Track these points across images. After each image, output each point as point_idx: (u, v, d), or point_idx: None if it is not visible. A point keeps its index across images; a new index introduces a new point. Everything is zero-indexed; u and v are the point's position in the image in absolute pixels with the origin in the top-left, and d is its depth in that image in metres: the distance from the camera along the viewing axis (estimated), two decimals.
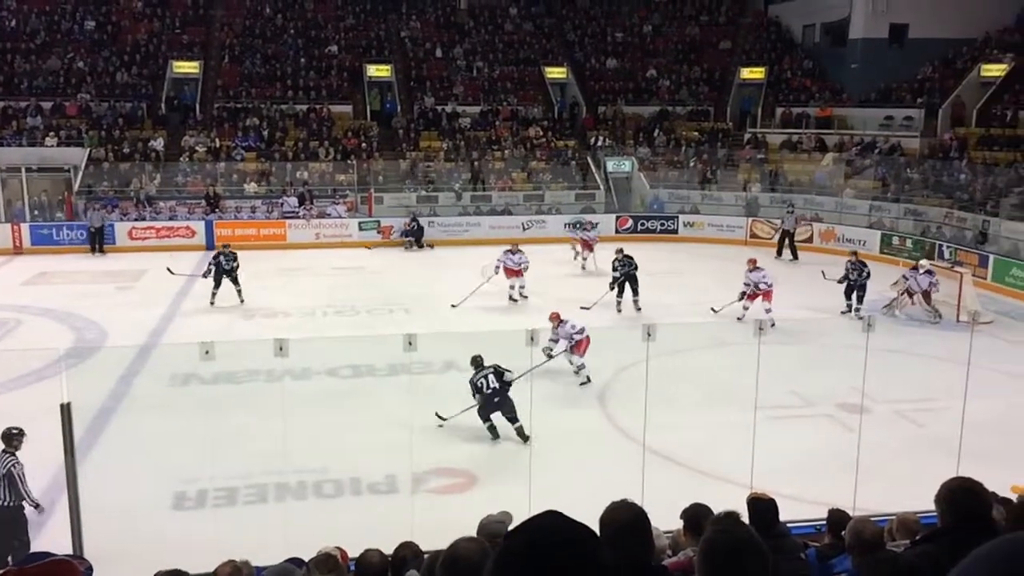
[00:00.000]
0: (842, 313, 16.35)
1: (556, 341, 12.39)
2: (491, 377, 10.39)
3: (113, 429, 10.73)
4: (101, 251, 22.77)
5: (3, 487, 7.34)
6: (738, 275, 16.42)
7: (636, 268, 16.68)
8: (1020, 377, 12.89)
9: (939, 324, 15.93)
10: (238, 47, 30.83)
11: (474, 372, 10.50)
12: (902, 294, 16.63)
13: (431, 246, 24.30)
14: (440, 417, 10.63)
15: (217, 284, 16.84)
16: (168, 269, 17.72)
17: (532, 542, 1.42)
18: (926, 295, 16.37)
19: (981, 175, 24.05)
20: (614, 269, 16.77)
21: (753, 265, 16.08)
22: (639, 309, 16.43)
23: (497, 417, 10.44)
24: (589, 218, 24.37)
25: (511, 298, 17.22)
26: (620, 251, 17.01)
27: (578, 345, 12.32)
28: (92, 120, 27.00)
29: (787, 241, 22.91)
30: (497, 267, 17.14)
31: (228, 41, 30.99)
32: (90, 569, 4.57)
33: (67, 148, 25.67)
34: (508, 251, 17.32)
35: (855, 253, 17.37)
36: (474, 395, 10.48)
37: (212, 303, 16.78)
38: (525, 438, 10.12)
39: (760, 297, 15.69)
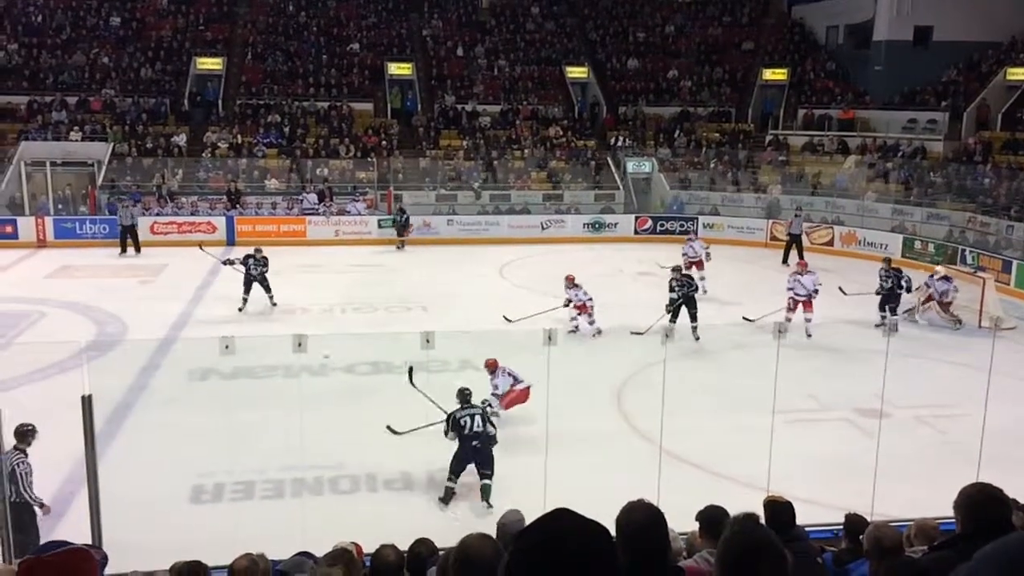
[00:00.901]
0: (876, 326, 15.21)
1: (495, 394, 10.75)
2: (477, 419, 8.98)
3: (133, 422, 10.83)
4: (136, 250, 22.02)
5: (10, 484, 7.24)
6: (758, 277, 16.30)
7: (696, 289, 15.30)
8: None
9: (961, 330, 15.75)
10: (261, 44, 31.04)
11: (459, 406, 9.17)
12: (925, 301, 16.44)
13: (402, 244, 23.64)
14: (392, 431, 9.56)
15: (247, 290, 16.43)
16: (200, 246, 17.74)
17: (544, 540, 1.41)
18: (943, 304, 16.13)
19: (1005, 179, 23.79)
20: (671, 289, 15.11)
21: (805, 268, 15.76)
22: (697, 338, 14.57)
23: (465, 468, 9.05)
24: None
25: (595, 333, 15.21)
26: (678, 269, 15.60)
27: (512, 398, 10.71)
28: (116, 115, 27.28)
29: (795, 245, 22.11)
30: (568, 302, 15.45)
31: (251, 38, 31.23)
32: (105, 558, 4.62)
33: (91, 143, 25.95)
34: (568, 286, 15.47)
35: (888, 260, 16.61)
36: (447, 432, 9.09)
37: (241, 309, 16.29)
38: (488, 504, 8.81)
39: (801, 306, 15.22)
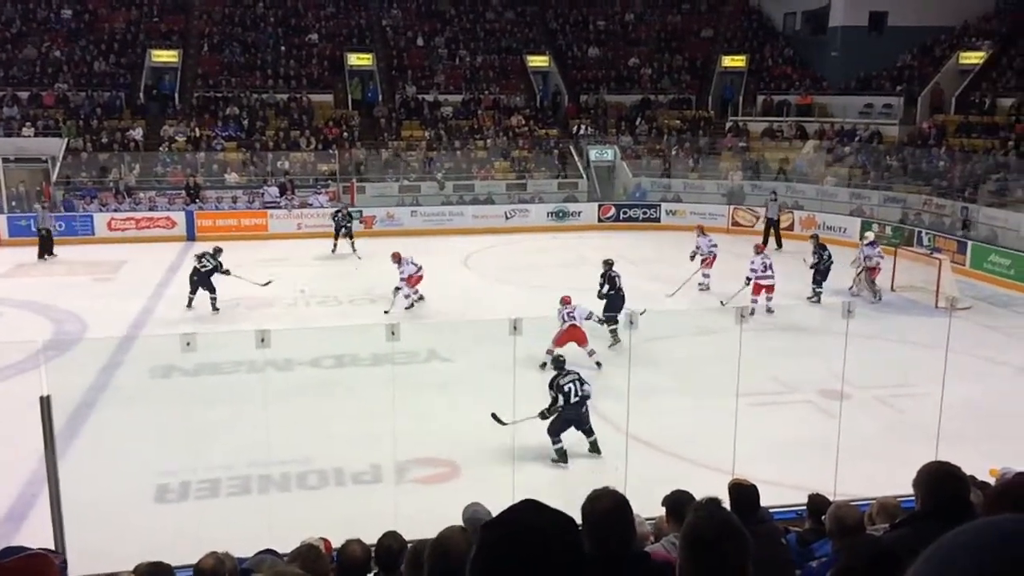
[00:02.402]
0: (808, 298, 16.44)
1: None
2: (577, 384, 9.50)
3: (94, 422, 10.66)
4: (50, 252, 20.67)
5: None
6: (722, 262, 16.48)
7: (608, 292, 13.84)
8: (998, 362, 13.04)
9: (920, 311, 16.05)
10: (217, 35, 30.57)
11: (556, 373, 9.73)
12: (859, 272, 16.83)
13: (341, 247, 21.53)
14: (498, 420, 9.18)
15: (202, 290, 15.73)
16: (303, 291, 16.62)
17: (509, 532, 1.41)
18: (869, 270, 16.66)
19: (959, 162, 24.23)
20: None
21: (758, 251, 16.09)
22: (611, 345, 13.21)
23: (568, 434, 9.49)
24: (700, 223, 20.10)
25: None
26: (609, 264, 14.33)
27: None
28: (70, 110, 26.72)
29: (772, 230, 22.72)
30: (397, 288, 15.67)
31: (207, 30, 30.73)
32: (65, 563, 4.55)
33: (45, 139, 25.41)
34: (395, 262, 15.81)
35: (816, 237, 17.29)
36: (555, 402, 9.48)
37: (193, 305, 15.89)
38: (598, 451, 9.58)
39: (763, 289, 15.53)
